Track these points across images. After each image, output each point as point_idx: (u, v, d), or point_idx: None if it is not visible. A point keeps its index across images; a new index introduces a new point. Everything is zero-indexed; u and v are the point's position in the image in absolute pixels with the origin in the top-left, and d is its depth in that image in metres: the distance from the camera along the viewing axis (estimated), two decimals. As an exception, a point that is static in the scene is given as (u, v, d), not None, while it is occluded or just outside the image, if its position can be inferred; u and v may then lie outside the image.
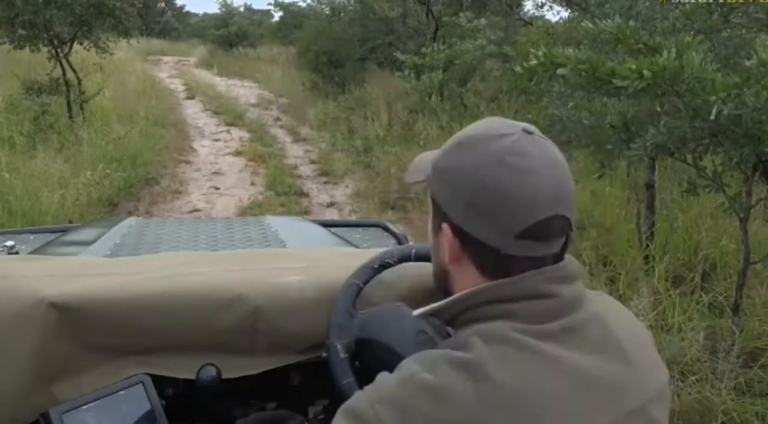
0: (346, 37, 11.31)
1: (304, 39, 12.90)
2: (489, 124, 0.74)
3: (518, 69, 2.55)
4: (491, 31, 7.92)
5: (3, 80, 7.48)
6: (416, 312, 0.78)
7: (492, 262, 0.70)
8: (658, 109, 2.63)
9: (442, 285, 0.78)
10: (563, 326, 0.68)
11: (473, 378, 0.63)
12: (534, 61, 2.40)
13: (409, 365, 0.68)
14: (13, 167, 5.08)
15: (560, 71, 2.35)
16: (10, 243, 1.73)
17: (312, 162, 7.69)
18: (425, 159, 0.80)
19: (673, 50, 2.16)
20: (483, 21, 8.21)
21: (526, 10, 10.14)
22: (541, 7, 8.85)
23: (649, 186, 3.72)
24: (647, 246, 3.59)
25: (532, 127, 0.72)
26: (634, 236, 3.76)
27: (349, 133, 8.26)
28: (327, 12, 13.72)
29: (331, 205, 6.00)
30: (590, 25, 2.55)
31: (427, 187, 0.76)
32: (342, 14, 12.43)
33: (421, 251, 1.11)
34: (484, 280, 0.71)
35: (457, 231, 0.71)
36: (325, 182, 6.85)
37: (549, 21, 8.23)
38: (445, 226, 0.72)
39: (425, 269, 1.11)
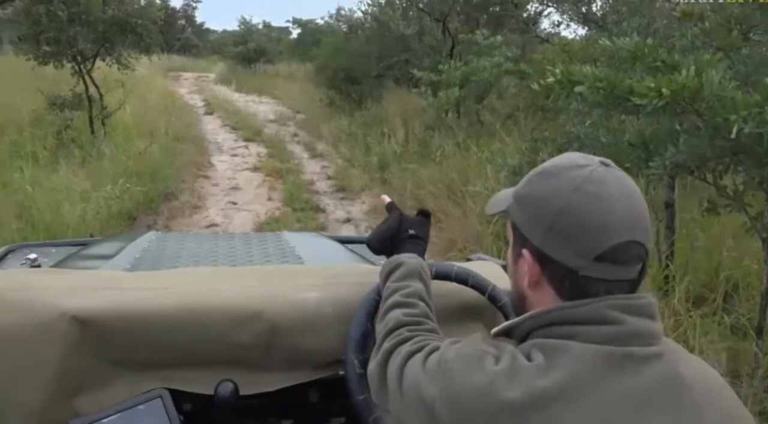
0: (363, 55, 11.40)
1: (322, 56, 13.04)
2: (568, 156, 0.79)
3: (535, 86, 2.56)
4: (508, 48, 7.94)
5: (28, 96, 7.64)
6: (493, 331, 0.80)
7: (569, 283, 0.73)
8: (678, 127, 2.61)
9: (519, 311, 0.81)
10: (626, 353, 0.70)
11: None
12: (551, 79, 2.40)
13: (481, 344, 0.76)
14: (36, 181, 5.18)
15: (578, 89, 2.35)
16: (32, 256, 1.76)
17: (328, 178, 7.72)
18: (505, 193, 0.85)
19: (693, 68, 2.15)
20: (499, 38, 8.24)
21: (542, 27, 10.15)
22: (558, 25, 8.89)
23: (669, 205, 3.68)
24: (667, 266, 3.54)
25: (608, 161, 0.77)
26: (654, 256, 3.72)
27: (366, 149, 8.30)
28: (344, 29, 13.88)
29: (347, 221, 6.01)
30: (608, 42, 2.55)
31: (508, 218, 0.81)
32: (359, 32, 12.55)
33: (441, 269, 1.11)
34: (561, 302, 0.75)
35: (537, 255, 0.75)
36: (342, 198, 6.87)
37: (566, 38, 8.24)
38: (525, 251, 0.76)
39: (445, 287, 1.11)
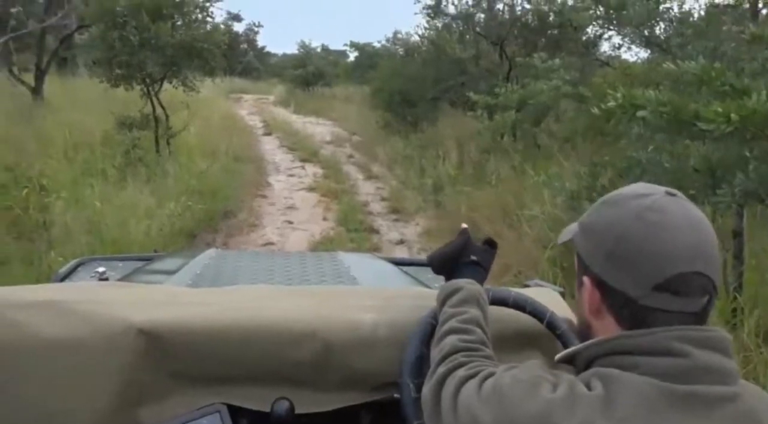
0: (419, 78, 11.50)
1: (379, 79, 13.23)
2: (632, 186, 0.80)
3: (595, 110, 2.52)
4: (566, 71, 7.83)
5: (100, 116, 8.04)
6: (557, 357, 0.82)
7: (628, 311, 0.73)
8: (747, 153, 2.52)
9: (585, 339, 0.80)
10: (690, 393, 0.67)
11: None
12: (612, 103, 2.36)
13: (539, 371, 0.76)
14: (105, 197, 5.42)
15: (640, 113, 2.31)
16: (101, 269, 1.85)
17: (383, 199, 7.77)
18: (574, 224, 0.88)
19: (763, 93, 2.08)
20: (557, 61, 8.15)
21: (602, 50, 9.99)
22: (619, 47, 8.72)
23: (737, 234, 3.52)
24: (735, 298, 3.38)
25: (674, 191, 0.76)
26: (721, 287, 3.55)
27: (421, 171, 8.33)
28: (401, 53, 14.06)
29: (400, 242, 6.03)
30: (672, 66, 2.49)
31: (574, 247, 0.82)
32: (415, 55, 12.68)
33: (498, 294, 1.10)
34: (622, 331, 0.74)
35: (597, 282, 0.75)
36: (396, 220, 6.90)
37: (627, 61, 8.07)
38: (586, 278, 0.77)
39: (502, 313, 1.10)
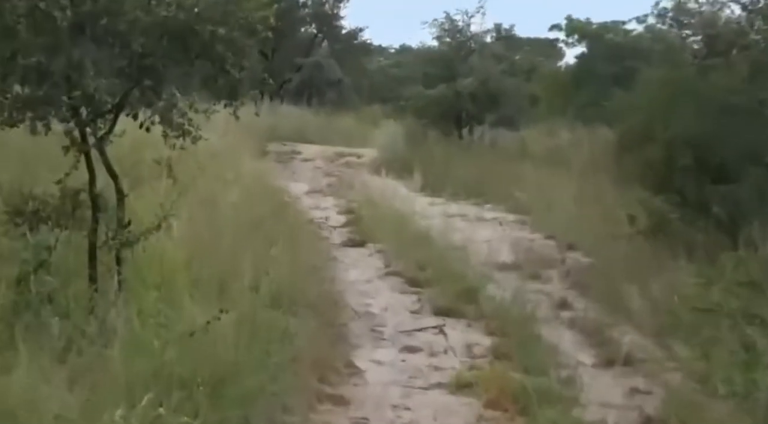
0: (742, 108, 11.50)
1: (639, 108, 13.38)
2: None
3: None
4: None
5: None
6: None
7: None
8: None
9: None
10: None
11: None
12: None
13: None
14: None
15: None
16: None
17: (647, 421, 7.68)
18: None
19: None
20: None
21: None
22: None
23: None
24: None
25: None
26: None
27: (746, 351, 8.20)
28: (695, 48, 14.21)
29: None
30: None
31: None
32: (732, 53, 12.74)
33: None
34: None
35: None
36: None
37: None
38: None
39: None
